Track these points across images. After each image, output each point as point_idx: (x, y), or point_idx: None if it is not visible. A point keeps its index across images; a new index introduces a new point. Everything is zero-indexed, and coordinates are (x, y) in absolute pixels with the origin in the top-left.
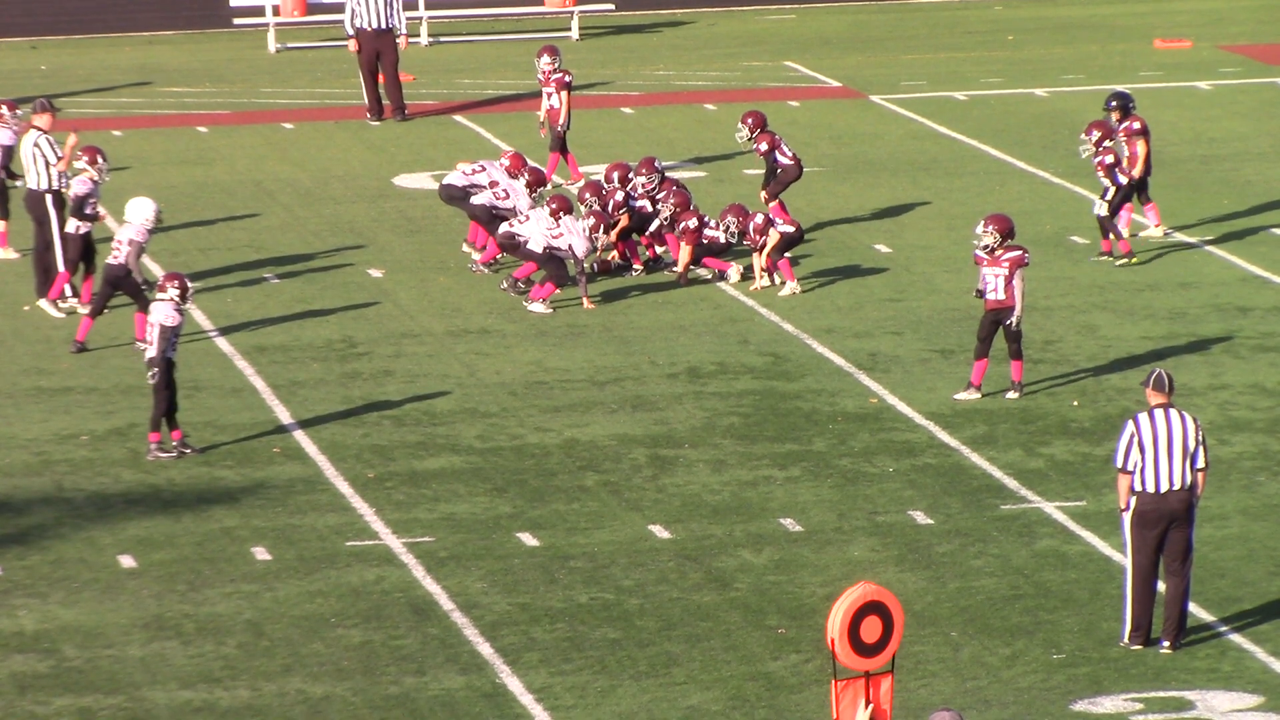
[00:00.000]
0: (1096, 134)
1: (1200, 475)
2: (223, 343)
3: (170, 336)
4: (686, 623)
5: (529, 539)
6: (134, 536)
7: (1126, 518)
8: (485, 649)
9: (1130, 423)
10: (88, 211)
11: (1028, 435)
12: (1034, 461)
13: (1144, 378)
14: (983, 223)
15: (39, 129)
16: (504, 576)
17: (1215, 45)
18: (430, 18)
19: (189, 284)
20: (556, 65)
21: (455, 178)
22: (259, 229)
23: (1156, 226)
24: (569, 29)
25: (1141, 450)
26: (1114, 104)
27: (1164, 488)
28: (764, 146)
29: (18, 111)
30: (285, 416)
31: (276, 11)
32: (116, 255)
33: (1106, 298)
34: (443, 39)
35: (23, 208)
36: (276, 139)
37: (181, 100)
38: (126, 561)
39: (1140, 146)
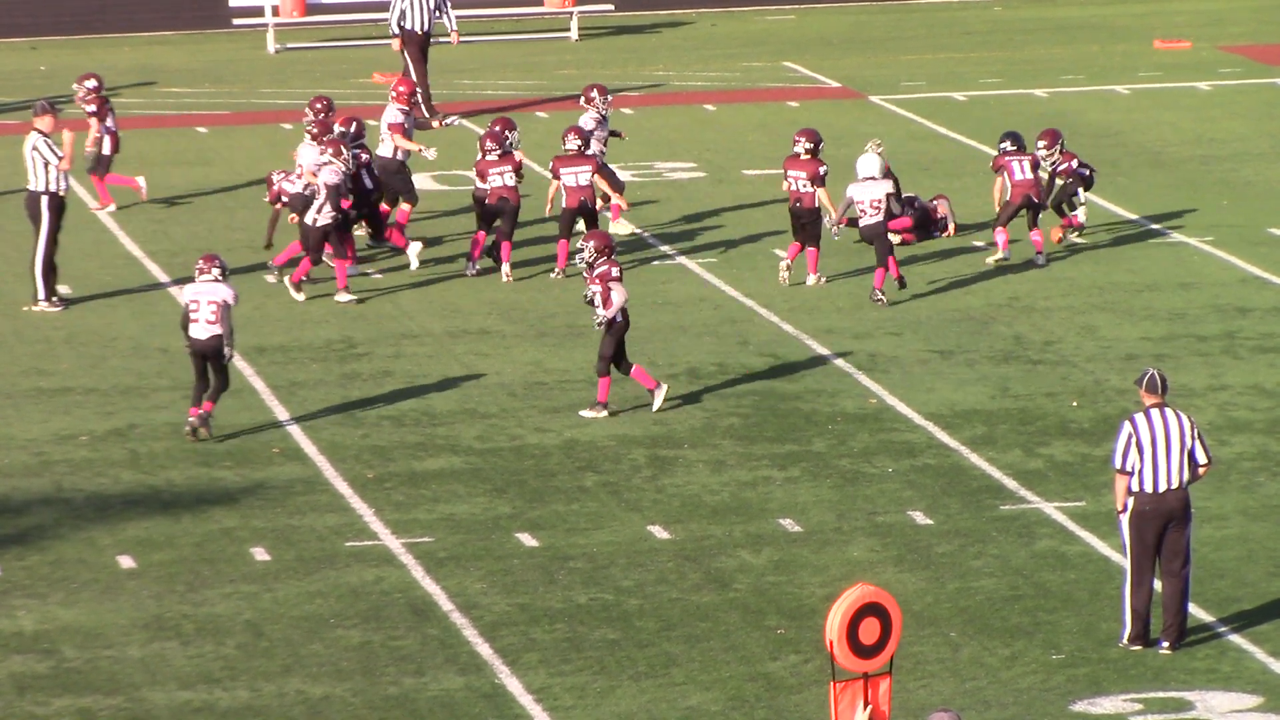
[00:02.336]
0: (1043, 143)
1: (1203, 470)
2: None
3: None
4: (686, 623)
5: (528, 539)
6: (133, 537)
7: (1124, 518)
8: (484, 649)
9: (1127, 423)
10: (337, 203)
11: (1027, 436)
12: (1033, 462)
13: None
14: (583, 237)
15: (40, 131)
16: (503, 577)
17: (1215, 46)
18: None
19: (224, 262)
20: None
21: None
22: (258, 229)
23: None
24: (568, 29)
25: (1140, 450)
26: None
27: (1162, 487)
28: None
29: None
30: (285, 417)
31: (276, 12)
32: (875, 213)
33: (1106, 298)
34: (442, 40)
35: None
36: (276, 139)
37: (181, 100)
38: (126, 562)
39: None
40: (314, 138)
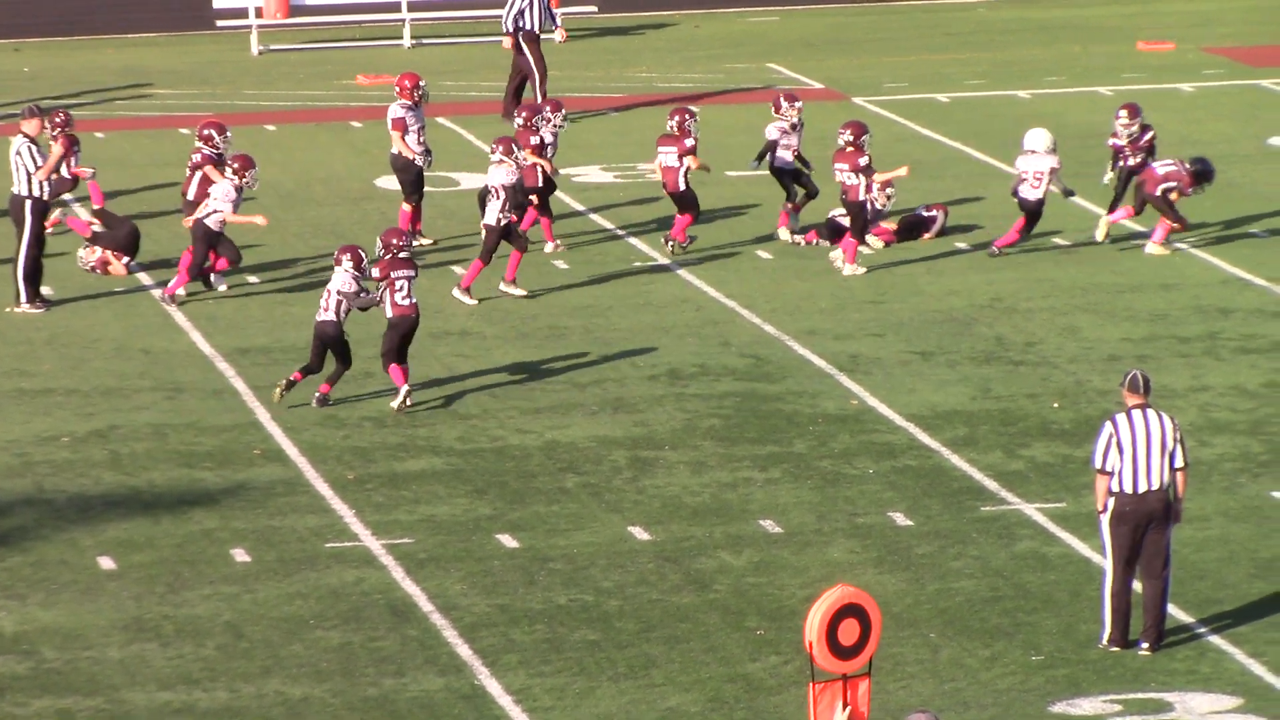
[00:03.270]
0: (1124, 112)
1: (1180, 475)
2: (204, 345)
3: (348, 303)
4: (666, 624)
5: (509, 541)
6: (114, 538)
7: (1105, 519)
8: (464, 650)
9: (1108, 423)
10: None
11: (1008, 437)
12: (1014, 463)
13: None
14: (380, 237)
15: (26, 135)
16: (483, 578)
17: (1198, 47)
18: (412, 19)
19: (362, 255)
20: None
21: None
22: (241, 231)
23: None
24: (552, 31)
25: (1120, 451)
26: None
27: (1142, 488)
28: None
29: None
30: (266, 418)
31: (259, 14)
32: (1036, 185)
33: (1088, 299)
34: (425, 41)
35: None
36: (259, 141)
37: (165, 102)
38: (106, 563)
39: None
40: (216, 166)
